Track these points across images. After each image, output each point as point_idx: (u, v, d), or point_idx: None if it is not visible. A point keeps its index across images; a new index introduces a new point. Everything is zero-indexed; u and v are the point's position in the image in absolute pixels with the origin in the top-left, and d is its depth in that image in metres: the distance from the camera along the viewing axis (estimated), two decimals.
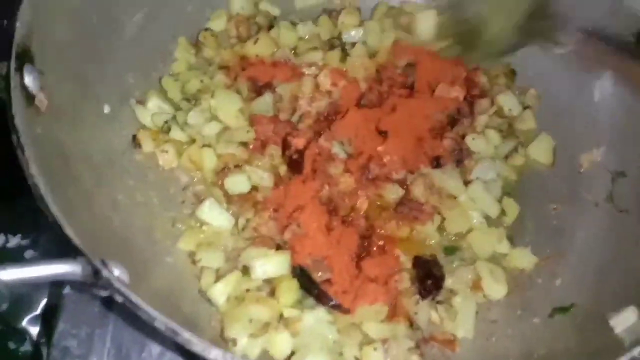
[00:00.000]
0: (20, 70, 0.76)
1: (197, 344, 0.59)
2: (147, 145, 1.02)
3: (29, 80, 0.78)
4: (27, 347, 1.36)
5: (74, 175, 0.85)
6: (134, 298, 0.60)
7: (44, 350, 1.33)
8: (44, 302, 1.36)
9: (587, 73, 1.16)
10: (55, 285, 1.23)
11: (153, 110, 1.04)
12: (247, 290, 0.88)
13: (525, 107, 1.19)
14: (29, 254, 1.25)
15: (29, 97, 0.77)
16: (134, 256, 0.85)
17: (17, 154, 0.68)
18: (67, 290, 0.98)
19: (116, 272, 0.63)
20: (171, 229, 0.97)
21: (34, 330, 1.35)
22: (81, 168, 0.88)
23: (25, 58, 0.78)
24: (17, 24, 0.79)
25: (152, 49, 1.10)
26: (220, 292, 0.88)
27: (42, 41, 0.83)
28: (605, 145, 1.11)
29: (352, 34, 1.19)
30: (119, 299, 0.64)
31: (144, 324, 0.71)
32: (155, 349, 0.94)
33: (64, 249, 0.63)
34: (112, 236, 0.83)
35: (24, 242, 1.27)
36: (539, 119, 1.17)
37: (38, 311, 1.36)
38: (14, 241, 1.26)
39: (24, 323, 1.36)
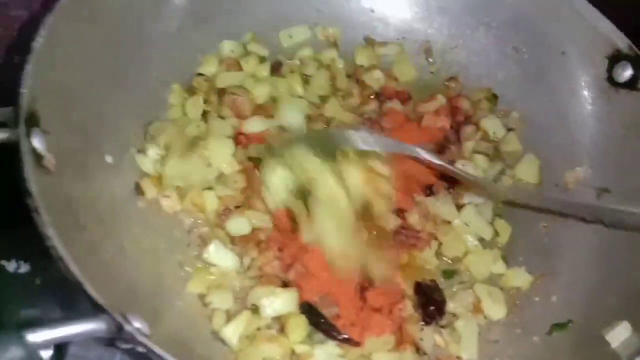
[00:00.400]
0: (28, 135, 0.79)
1: None
2: (150, 192, 1.04)
3: (37, 142, 0.80)
4: None
5: (83, 229, 0.88)
6: (158, 350, 0.63)
7: None
8: None
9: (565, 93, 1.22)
10: (65, 304, 1.24)
11: (153, 157, 1.07)
12: (258, 329, 0.91)
13: (509, 130, 1.24)
14: (39, 280, 1.26)
15: (39, 159, 0.80)
16: (147, 303, 0.87)
17: (34, 216, 0.71)
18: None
19: (137, 324, 0.66)
20: (179, 272, 1.00)
21: (44, 353, 1.35)
22: (88, 220, 0.90)
23: (32, 122, 0.81)
24: (23, 90, 0.82)
25: (147, 97, 1.13)
26: (232, 333, 0.90)
27: (45, 102, 0.86)
28: (587, 163, 1.16)
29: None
30: (141, 349, 0.66)
31: None
32: None
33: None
34: (124, 285, 0.86)
35: (35, 268, 1.27)
36: (522, 140, 1.22)
37: None
38: (25, 268, 1.27)
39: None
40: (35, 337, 0.60)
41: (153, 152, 1.07)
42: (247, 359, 0.88)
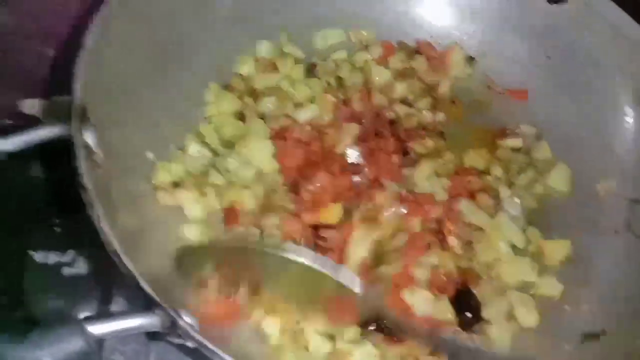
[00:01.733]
0: (80, 129, 0.81)
1: None
2: (189, 189, 1.06)
3: (88, 137, 0.82)
4: None
5: (124, 225, 0.90)
6: (210, 345, 0.65)
7: None
8: (82, 317, 1.38)
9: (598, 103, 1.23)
10: (104, 300, 1.26)
11: (193, 154, 1.09)
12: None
13: (539, 137, 1.25)
14: (66, 270, 1.28)
15: (90, 153, 0.82)
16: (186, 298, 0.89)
17: (88, 210, 0.73)
18: (114, 307, 1.01)
19: (188, 319, 0.68)
20: None
21: None
22: (129, 214, 0.92)
23: (84, 117, 0.83)
24: (76, 86, 0.83)
25: (186, 95, 1.15)
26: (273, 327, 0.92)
27: (94, 97, 0.88)
28: (620, 174, 1.17)
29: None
30: (190, 345, 0.68)
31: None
32: None
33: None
34: (167, 282, 0.87)
35: (63, 259, 1.29)
36: (555, 149, 1.23)
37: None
38: (53, 258, 1.29)
39: None
40: (95, 329, 0.62)
41: (193, 149, 1.08)
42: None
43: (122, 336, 0.90)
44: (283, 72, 1.23)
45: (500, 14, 1.32)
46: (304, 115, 1.17)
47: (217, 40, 1.20)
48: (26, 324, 0.60)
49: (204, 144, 1.10)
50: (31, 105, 1.65)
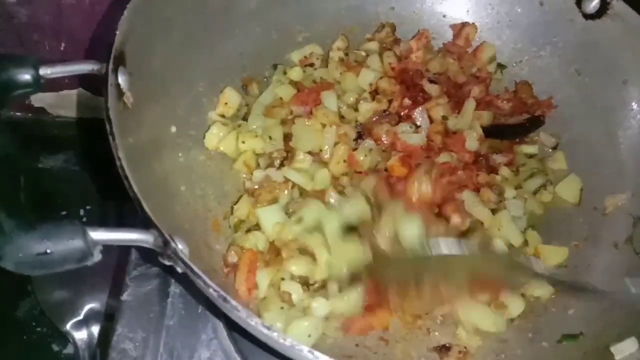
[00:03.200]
0: (115, 71, 0.90)
1: (241, 311, 0.69)
2: (212, 145, 1.16)
3: (121, 80, 0.91)
4: (69, 350, 1.50)
5: (147, 165, 0.98)
6: (194, 267, 0.72)
7: (85, 353, 1.46)
8: (87, 307, 1.49)
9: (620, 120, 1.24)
10: (114, 290, 1.36)
11: (220, 119, 1.18)
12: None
13: (556, 148, 1.28)
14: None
15: (120, 94, 0.91)
16: (190, 237, 0.97)
17: (109, 140, 0.81)
18: (125, 296, 1.09)
19: (180, 246, 0.75)
20: (222, 222, 1.10)
21: (77, 335, 1.48)
22: (153, 160, 1.02)
23: (120, 61, 0.92)
24: (117, 32, 0.93)
25: (223, 63, 1.24)
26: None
27: (133, 47, 0.97)
28: (630, 191, 1.18)
29: None
30: (180, 269, 0.75)
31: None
32: (204, 354, 1.05)
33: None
34: (174, 219, 0.96)
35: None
36: (569, 160, 1.25)
37: (81, 316, 1.49)
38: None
39: (68, 327, 1.49)
40: (95, 234, 0.70)
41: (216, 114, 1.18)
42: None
43: (126, 323, 1.03)
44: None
45: (537, 24, 1.34)
46: None
47: (258, 16, 1.28)
48: (37, 218, 0.68)
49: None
50: (40, 99, 1.80)
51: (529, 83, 1.33)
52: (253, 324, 0.69)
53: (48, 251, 0.67)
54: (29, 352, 1.52)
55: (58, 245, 0.67)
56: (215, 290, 0.71)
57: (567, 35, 1.31)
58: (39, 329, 1.54)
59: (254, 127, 1.19)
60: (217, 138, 1.15)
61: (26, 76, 0.83)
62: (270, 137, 1.17)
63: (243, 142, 1.15)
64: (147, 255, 1.11)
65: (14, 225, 0.66)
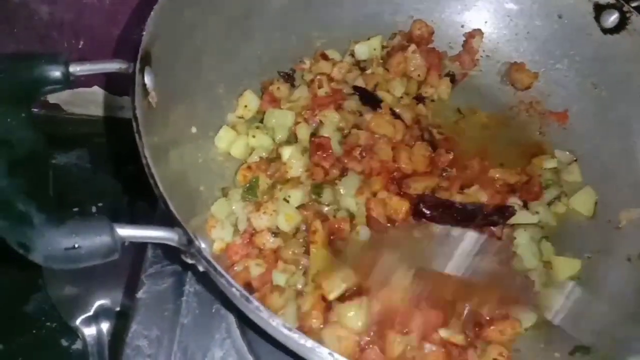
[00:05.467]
0: (142, 71, 0.91)
1: (263, 312, 0.70)
2: (224, 145, 1.18)
3: (147, 79, 0.92)
4: (78, 346, 1.51)
5: (170, 164, 1.00)
6: (217, 266, 0.73)
7: (94, 349, 1.47)
8: (97, 304, 1.50)
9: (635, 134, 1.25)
10: (129, 288, 1.37)
11: (236, 121, 1.20)
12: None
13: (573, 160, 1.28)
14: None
15: (145, 94, 0.92)
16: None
17: (136, 138, 0.83)
18: (140, 294, 1.10)
19: (203, 245, 0.76)
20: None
21: (86, 331, 1.49)
22: (175, 160, 1.03)
23: (146, 61, 0.93)
24: (144, 33, 0.94)
25: (243, 68, 1.26)
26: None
27: (159, 48, 0.98)
28: None
29: None
30: (202, 267, 0.76)
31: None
32: (217, 353, 1.06)
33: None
34: (194, 218, 0.97)
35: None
36: (585, 173, 1.26)
37: (91, 312, 1.50)
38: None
39: (77, 322, 1.50)
40: (122, 231, 0.71)
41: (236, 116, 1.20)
42: None
43: (142, 320, 1.04)
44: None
45: (555, 37, 1.35)
46: None
47: (281, 22, 1.29)
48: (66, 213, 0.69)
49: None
50: (56, 96, 1.82)
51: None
52: (274, 324, 0.70)
53: (76, 246, 0.68)
54: (38, 347, 1.53)
55: (86, 240, 0.69)
56: (238, 290, 0.71)
57: (584, 48, 1.32)
58: (48, 323, 1.55)
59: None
60: (226, 141, 1.17)
61: (57, 73, 0.85)
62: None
63: (254, 137, 1.17)
64: (164, 253, 1.12)
65: (44, 220, 0.67)
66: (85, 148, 1.84)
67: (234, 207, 1.07)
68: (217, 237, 1.04)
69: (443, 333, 0.97)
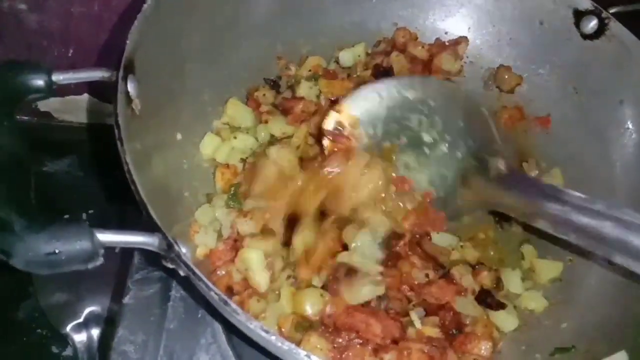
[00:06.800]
0: (125, 79, 0.92)
1: (241, 315, 0.71)
2: (208, 151, 1.19)
3: (130, 87, 0.93)
4: (68, 352, 1.51)
5: (153, 171, 1.01)
6: (196, 270, 0.74)
7: (84, 356, 1.48)
8: (87, 310, 1.51)
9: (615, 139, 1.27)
10: (116, 294, 1.37)
11: (220, 127, 1.21)
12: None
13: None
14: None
15: (129, 101, 0.94)
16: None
17: (118, 145, 0.84)
18: (126, 299, 1.11)
19: (183, 249, 0.77)
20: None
21: (77, 337, 1.50)
22: (159, 166, 1.04)
23: (129, 69, 0.94)
24: (127, 42, 0.95)
25: (228, 77, 1.27)
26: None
27: (143, 56, 1.00)
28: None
29: None
30: (182, 272, 0.77)
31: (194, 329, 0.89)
32: (203, 357, 1.07)
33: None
34: (177, 224, 0.98)
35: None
36: (566, 177, 1.27)
37: (81, 319, 1.51)
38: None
39: (68, 329, 1.51)
40: (102, 236, 0.73)
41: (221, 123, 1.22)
42: None
43: (128, 325, 1.05)
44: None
45: (536, 43, 1.37)
46: None
47: (264, 31, 1.31)
48: (46, 218, 0.70)
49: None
50: (46, 103, 1.83)
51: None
52: (252, 327, 0.71)
53: (56, 251, 0.69)
54: (28, 353, 1.53)
55: (66, 245, 0.70)
56: (216, 294, 0.73)
57: (565, 54, 1.34)
58: (38, 330, 1.54)
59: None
60: (211, 147, 1.18)
61: (39, 82, 0.86)
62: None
63: (235, 138, 1.19)
64: (150, 259, 1.13)
65: (24, 225, 0.68)
66: (76, 155, 1.85)
67: (217, 214, 1.08)
68: (200, 243, 1.05)
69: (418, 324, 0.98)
